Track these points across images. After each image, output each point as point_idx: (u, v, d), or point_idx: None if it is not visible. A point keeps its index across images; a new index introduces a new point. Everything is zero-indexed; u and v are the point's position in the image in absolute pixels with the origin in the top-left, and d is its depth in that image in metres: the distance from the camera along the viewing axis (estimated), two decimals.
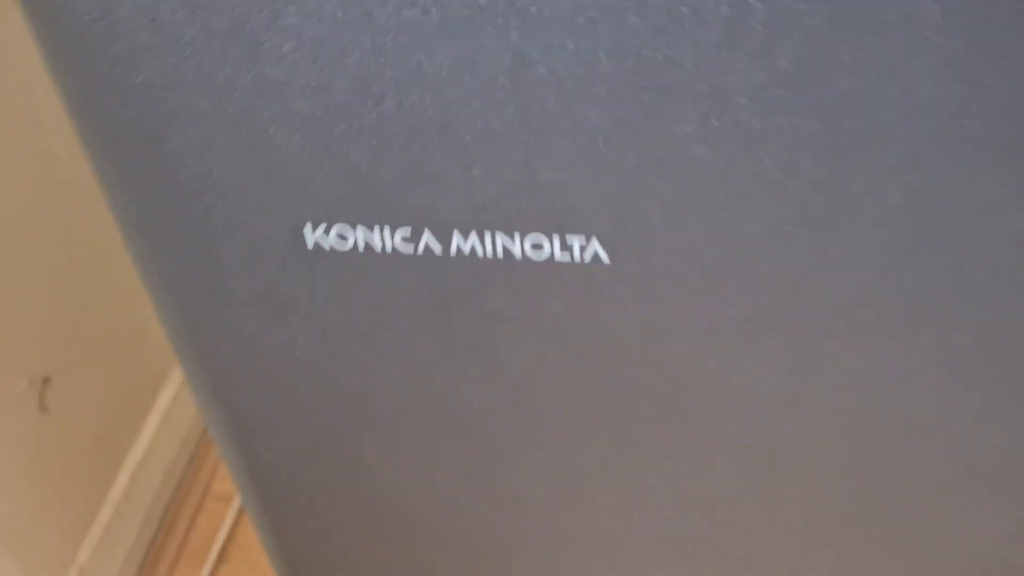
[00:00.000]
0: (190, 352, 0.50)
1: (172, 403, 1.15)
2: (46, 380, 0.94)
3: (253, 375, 0.50)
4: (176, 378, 1.16)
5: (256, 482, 0.58)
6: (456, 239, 0.42)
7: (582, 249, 0.41)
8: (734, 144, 0.37)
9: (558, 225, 0.40)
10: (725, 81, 0.35)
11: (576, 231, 0.41)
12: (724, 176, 0.38)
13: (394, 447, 0.53)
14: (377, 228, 0.42)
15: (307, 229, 0.43)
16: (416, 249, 0.43)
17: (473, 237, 0.42)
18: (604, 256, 0.41)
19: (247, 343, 0.48)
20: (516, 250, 0.42)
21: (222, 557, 1.13)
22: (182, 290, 0.47)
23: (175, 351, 0.51)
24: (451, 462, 0.54)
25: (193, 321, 0.48)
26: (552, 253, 0.42)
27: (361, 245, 0.43)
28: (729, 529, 0.55)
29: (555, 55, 0.35)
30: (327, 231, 0.43)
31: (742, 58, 0.34)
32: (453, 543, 0.61)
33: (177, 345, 0.50)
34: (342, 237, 0.43)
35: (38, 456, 0.94)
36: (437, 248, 0.43)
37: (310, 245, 0.44)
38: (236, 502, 1.17)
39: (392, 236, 0.42)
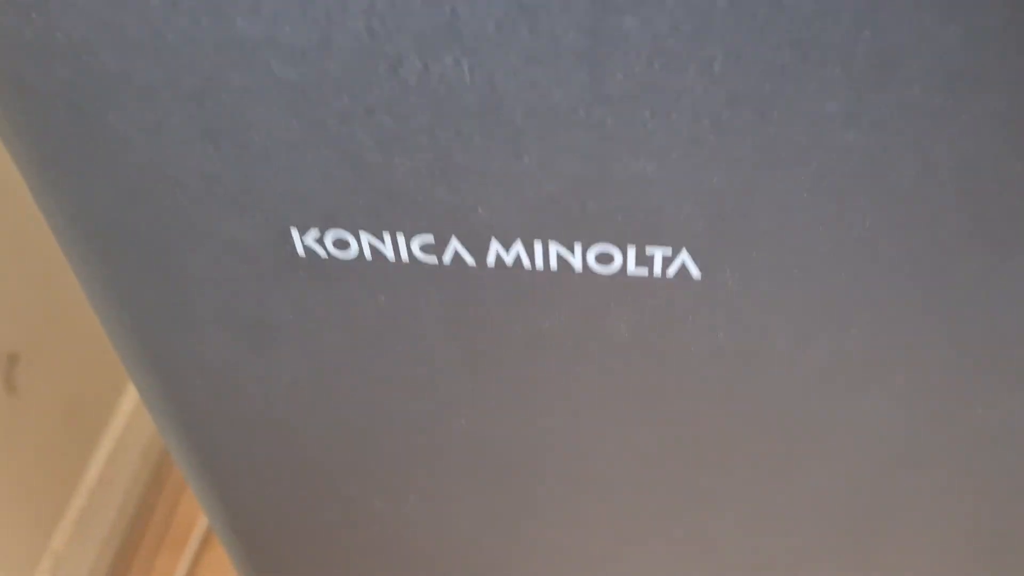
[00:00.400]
0: (149, 385, 0.39)
1: None
2: (13, 358, 0.89)
3: (228, 413, 0.40)
4: None
5: (236, 529, 0.48)
6: (495, 247, 0.31)
7: (666, 262, 0.31)
8: (898, 129, 0.26)
9: (636, 233, 0.30)
10: (894, 43, 0.24)
11: (660, 242, 0.30)
12: (879, 172, 0.27)
13: (405, 495, 0.43)
14: (387, 235, 0.32)
15: (295, 233, 0.32)
16: (440, 259, 0.32)
17: (518, 246, 0.31)
18: (694, 271, 0.31)
19: (219, 374, 0.38)
20: (576, 262, 0.31)
21: (205, 542, 1.08)
22: (136, 312, 0.36)
23: (133, 382, 0.40)
24: (477, 514, 0.44)
25: (152, 349, 0.37)
26: (624, 266, 0.31)
27: (368, 252, 0.33)
28: None
29: (652, 2, 0.24)
30: (320, 239, 0.32)
31: (927, 11, 0.23)
32: None
33: (134, 376, 0.40)
34: (342, 244, 0.32)
35: (6, 439, 0.89)
36: (469, 259, 0.32)
37: (301, 252, 0.33)
38: None
39: (408, 244, 0.32)
